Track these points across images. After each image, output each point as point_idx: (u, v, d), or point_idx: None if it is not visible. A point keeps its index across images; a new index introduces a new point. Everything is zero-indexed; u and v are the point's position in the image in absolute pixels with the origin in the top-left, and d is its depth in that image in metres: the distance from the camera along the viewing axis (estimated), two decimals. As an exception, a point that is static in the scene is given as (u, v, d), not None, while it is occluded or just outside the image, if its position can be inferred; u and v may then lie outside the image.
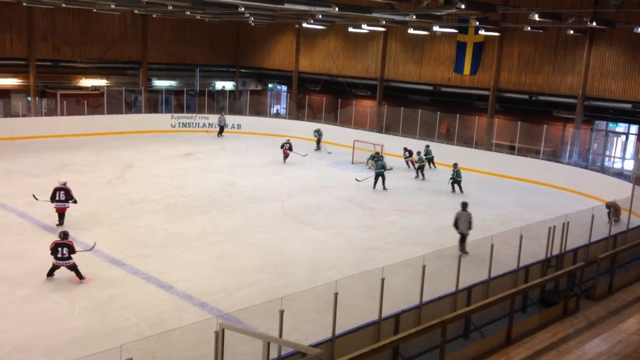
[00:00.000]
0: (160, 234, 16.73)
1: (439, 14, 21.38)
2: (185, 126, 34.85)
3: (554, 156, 27.18)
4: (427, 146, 27.65)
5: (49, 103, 32.52)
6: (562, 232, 13.87)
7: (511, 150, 27.84)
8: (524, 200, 23.04)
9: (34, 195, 17.61)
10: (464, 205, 16.07)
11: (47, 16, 32.05)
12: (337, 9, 19.48)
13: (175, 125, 34.70)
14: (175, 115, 35.00)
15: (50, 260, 13.17)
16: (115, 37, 34.80)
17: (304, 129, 33.42)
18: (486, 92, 29.65)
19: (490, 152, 28.31)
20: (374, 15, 22.31)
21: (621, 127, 27.71)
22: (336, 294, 9.21)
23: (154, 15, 33.83)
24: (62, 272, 13.51)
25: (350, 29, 31.10)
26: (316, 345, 8.97)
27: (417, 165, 26.12)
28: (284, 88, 41.52)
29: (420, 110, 30.75)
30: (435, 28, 26.04)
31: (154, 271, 13.88)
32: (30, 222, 17.06)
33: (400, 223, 19.17)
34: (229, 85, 41.64)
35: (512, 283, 12.63)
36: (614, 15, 23.04)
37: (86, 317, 11.55)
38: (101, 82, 35.20)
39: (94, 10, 30.24)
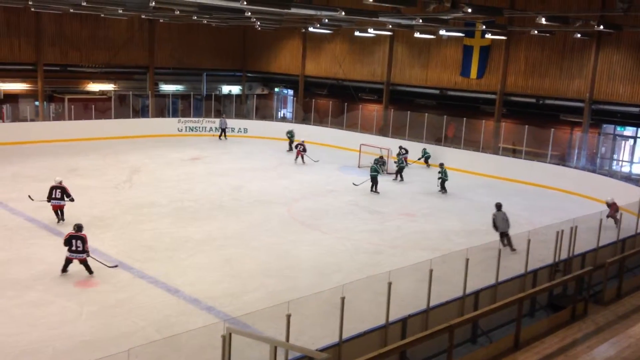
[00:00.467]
0: (167, 238, 16.76)
1: (446, 17, 21.36)
2: (192, 130, 34.95)
3: (562, 160, 27.06)
4: (424, 149, 28.83)
5: (56, 108, 32.69)
6: (570, 236, 13.80)
7: (518, 154, 27.75)
8: (532, 204, 22.95)
9: (29, 196, 17.97)
10: (499, 206, 16.97)
11: (55, 21, 32.25)
12: (343, 13, 19.51)
13: (182, 130, 34.81)
14: (182, 119, 35.12)
15: (54, 263, 13.22)
16: (122, 42, 34.97)
17: (312, 133, 33.45)
18: (493, 96, 29.60)
19: (497, 156, 28.23)
20: (380, 19, 22.31)
21: (629, 130, 27.58)
22: (343, 298, 9.19)
23: (161, 20, 33.98)
24: (70, 276, 13.56)
25: (357, 33, 31.16)
26: (323, 350, 8.95)
27: (396, 166, 25.97)
28: (290, 92, 41.58)
29: (426, 114, 30.71)
30: (442, 32, 26.05)
31: (160, 275, 13.90)
32: (38, 226, 17.13)
33: (407, 227, 19.14)
34: (235, 89, 41.74)
35: (520, 287, 12.56)
36: (621, 19, 22.97)
37: (93, 320, 11.57)
38: (109, 87, 35.36)
39: (102, 16, 30.43)
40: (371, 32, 29.12)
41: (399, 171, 25.96)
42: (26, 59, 31.94)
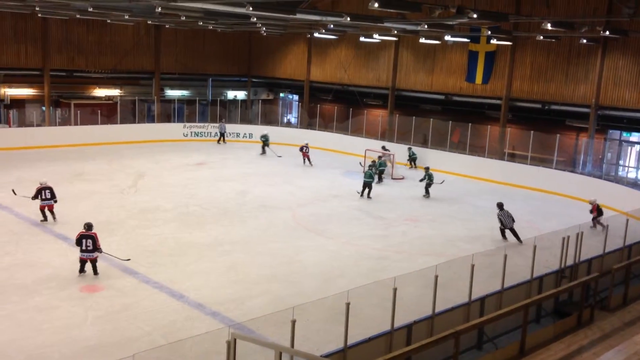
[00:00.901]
0: (172, 243, 16.78)
1: (451, 23, 21.39)
2: (197, 135, 35.03)
3: (567, 166, 26.99)
4: (410, 148, 29.27)
5: (63, 113, 32.83)
6: (576, 242, 13.76)
7: (524, 159, 27.68)
8: (537, 210, 22.87)
9: (12, 190, 18.61)
10: (501, 206, 18.41)
11: (61, 27, 32.42)
12: (348, 18, 19.55)
13: (187, 135, 34.90)
14: (188, 124, 35.21)
15: (59, 268, 13.24)
16: (128, 48, 35.13)
17: (317, 138, 33.49)
18: (498, 102, 29.56)
19: (503, 162, 28.17)
20: (386, 24, 22.35)
21: (635, 136, 27.49)
22: (348, 304, 9.18)
23: (167, 26, 34.12)
24: (76, 281, 13.59)
25: (362, 39, 31.19)
26: (328, 356, 8.94)
27: (377, 170, 25.81)
28: (296, 97, 41.65)
29: (432, 119, 30.69)
30: (447, 37, 26.04)
31: (165, 280, 13.92)
32: (43, 231, 17.18)
33: (412, 233, 19.10)
34: (240, 94, 41.84)
35: (526, 294, 12.53)
36: (627, 24, 22.93)
37: (99, 325, 11.59)
38: (114, 92, 35.50)
39: (108, 21, 30.59)
40: (376, 37, 29.15)
41: (380, 173, 26.00)
42: (33, 64, 32.12)
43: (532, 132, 27.18)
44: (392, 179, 26.84)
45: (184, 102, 37.24)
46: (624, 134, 27.71)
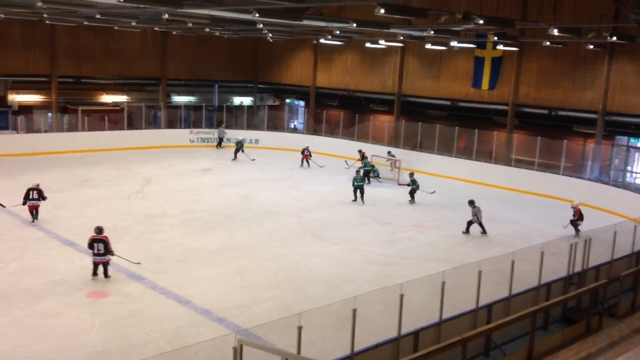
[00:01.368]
0: (178, 248, 16.79)
1: (457, 29, 21.40)
2: (204, 141, 35.08)
3: (575, 172, 26.87)
4: (389, 152, 29.48)
5: (70, 119, 32.97)
6: (584, 248, 13.68)
7: (531, 165, 27.59)
8: (544, 216, 22.77)
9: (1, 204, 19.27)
10: (472, 203, 19.61)
11: (69, 34, 32.61)
12: (354, 25, 19.60)
13: (194, 141, 34.98)
14: (194, 130, 35.30)
15: (65, 274, 13.26)
16: (135, 54, 35.29)
17: (323, 143, 33.50)
18: (505, 107, 29.50)
19: (510, 168, 28.08)
20: (392, 30, 22.39)
21: (643, 142, 27.36)
22: (354, 310, 9.14)
23: (174, 33, 34.26)
24: (82, 287, 13.61)
25: (368, 45, 31.25)
26: (334, 362, 8.90)
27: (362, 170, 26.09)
28: (302, 103, 41.71)
29: (438, 125, 30.66)
30: (453, 43, 26.05)
31: (172, 286, 13.91)
32: (50, 237, 17.23)
33: (418, 238, 19.04)
34: (247, 100, 41.93)
35: (534, 300, 12.45)
36: (634, 30, 22.86)
37: (105, 331, 11.58)
38: (122, 98, 35.65)
39: (115, 28, 30.72)
40: (382, 43, 29.20)
41: (366, 173, 26.33)
42: (41, 71, 32.30)
43: (538, 138, 27.10)
44: (399, 184, 26.79)
45: (190, 108, 37.35)
46: (632, 140, 27.57)
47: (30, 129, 31.99)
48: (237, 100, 41.60)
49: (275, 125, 38.67)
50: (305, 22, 19.13)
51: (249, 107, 40.92)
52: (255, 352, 8.45)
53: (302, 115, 41.54)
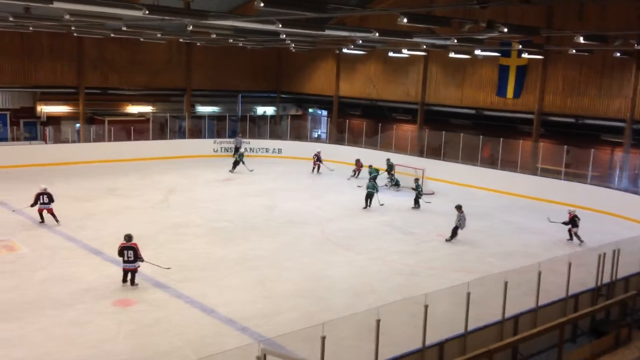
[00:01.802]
0: (203, 258, 16.89)
1: (481, 37, 21.28)
2: (227, 151, 35.32)
3: (603, 181, 26.42)
4: (388, 159, 29.35)
5: (97, 129, 33.50)
6: (613, 259, 13.44)
7: (557, 174, 27.22)
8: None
9: (13, 210, 20.47)
10: (460, 208, 19.47)
11: (96, 46, 33.19)
12: (377, 34, 19.60)
13: (217, 150, 35.25)
14: (218, 140, 35.57)
15: (92, 282, 13.41)
16: (160, 65, 35.76)
17: (345, 153, 33.50)
18: (530, 116, 29.18)
19: (536, 177, 27.73)
20: (415, 39, 22.35)
21: (672, 150, 26.82)
22: (378, 321, 9.09)
23: (198, 44, 34.65)
24: (108, 295, 13.76)
25: (391, 54, 31.21)
26: (358, 373, 8.85)
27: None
28: (324, 113, 41.79)
29: (462, 134, 30.46)
30: (477, 52, 25.90)
31: (196, 295, 14.00)
32: (78, 245, 17.47)
33: (443, 248, 18.89)
34: (270, 110, 42.16)
35: (561, 312, 12.25)
36: (662, 37, 22.49)
37: (131, 340, 11.69)
38: (147, 109, 36.11)
39: (141, 40, 31.19)
40: (405, 52, 29.14)
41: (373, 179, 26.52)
42: (68, 82, 32.89)
43: (565, 146, 26.74)
44: (424, 194, 26.58)
45: (214, 118, 37.67)
46: (661, 148, 27.06)
47: (58, 139, 32.56)
48: (260, 110, 41.84)
49: (298, 134, 38.80)
50: (327, 32, 19.21)
51: (271, 116, 41.14)
52: (279, 361, 8.45)
53: (324, 124, 41.62)
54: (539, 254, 17.83)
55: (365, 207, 23.57)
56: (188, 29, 19.97)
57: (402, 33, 21.83)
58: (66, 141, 32.39)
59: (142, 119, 35.20)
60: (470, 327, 10.59)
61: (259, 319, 12.82)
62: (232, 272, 15.84)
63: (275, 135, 38.32)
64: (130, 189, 25.49)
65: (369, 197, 23.70)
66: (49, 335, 11.78)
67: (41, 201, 19.32)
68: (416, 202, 24.22)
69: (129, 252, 14.24)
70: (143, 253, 16.13)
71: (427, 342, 9.91)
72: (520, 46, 24.86)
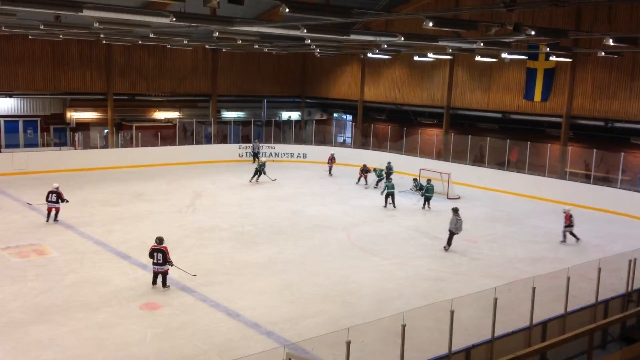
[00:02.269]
0: (228, 262, 16.99)
1: (508, 40, 21.07)
2: (259, 155, 35.49)
3: (633, 185, 25.92)
4: (389, 162, 29.76)
5: (125, 135, 34.01)
6: (644, 265, 13.15)
7: (586, 179, 26.77)
8: (601, 231, 22.03)
9: (27, 202, 21.89)
10: (456, 211, 18.69)
11: (124, 53, 33.73)
12: (402, 38, 19.54)
13: (242, 155, 35.49)
14: (243, 145, 35.82)
15: (120, 286, 13.56)
16: (187, 71, 36.18)
17: (371, 157, 33.43)
18: (558, 119, 28.78)
19: (564, 181, 27.31)
20: (440, 43, 22.22)
21: None
22: (404, 326, 9.03)
23: (224, 50, 34.98)
24: (135, 299, 13.92)
25: (416, 58, 31.09)
26: (384, 379, 8.80)
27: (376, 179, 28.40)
28: (349, 117, 41.80)
29: (488, 138, 30.16)
30: (504, 55, 25.63)
31: (222, 299, 14.08)
32: (106, 249, 17.72)
33: (470, 253, 18.70)
34: (294, 115, 42.32)
35: (591, 318, 12.04)
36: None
37: (157, 343, 11.80)
38: (174, 115, 36.55)
39: (168, 46, 31.63)
40: (431, 56, 29.00)
41: (380, 178, 28.22)
42: (97, 89, 33.47)
43: (594, 150, 26.32)
44: (448, 198, 26.44)
45: (239, 124, 37.97)
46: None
47: (87, 145, 33.14)
48: (285, 115, 42.04)
49: (323, 139, 38.86)
50: (352, 36, 19.23)
51: (296, 121, 41.28)
52: (304, 366, 8.45)
53: (349, 129, 41.61)
54: (568, 260, 17.57)
55: (385, 206, 24.21)
56: (214, 35, 20.18)
57: (428, 37, 21.73)
58: (95, 147, 32.96)
59: (169, 124, 35.63)
60: (498, 333, 10.46)
61: (284, 324, 12.84)
62: (258, 276, 15.90)
63: (300, 140, 38.44)
64: (156, 193, 25.79)
65: (389, 196, 24.35)
66: (78, 337, 11.95)
67: (49, 199, 20.00)
68: (425, 203, 24.64)
69: (159, 255, 14.45)
70: (170, 257, 16.34)
71: (454, 348, 9.82)
72: (548, 49, 24.56)
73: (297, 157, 35.80)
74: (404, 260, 17.72)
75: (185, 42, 26.66)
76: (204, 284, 14.97)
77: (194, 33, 25.57)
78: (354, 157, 34.05)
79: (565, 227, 20.10)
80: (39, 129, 32.53)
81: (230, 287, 15.00)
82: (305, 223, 21.66)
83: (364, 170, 29.52)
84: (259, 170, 29.35)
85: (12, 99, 31.55)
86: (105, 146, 33.42)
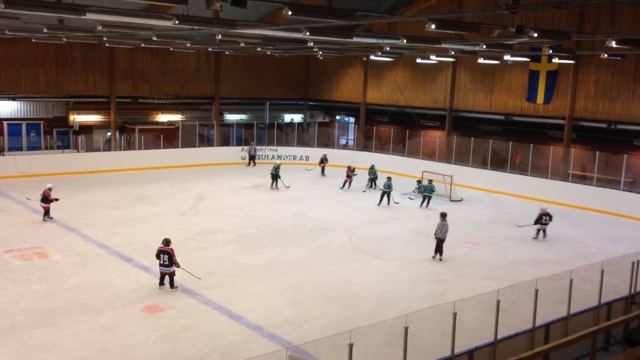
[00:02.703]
0: (231, 264, 16.99)
1: (510, 43, 21.05)
2: (256, 158, 35.53)
3: (636, 187, 25.86)
4: (372, 165, 29.67)
5: (127, 138, 34.06)
6: (647, 267, 13.12)
7: (589, 181, 26.73)
8: (604, 233, 21.98)
9: (27, 198, 22.37)
10: (444, 216, 17.97)
11: (127, 56, 33.81)
12: (405, 41, 19.55)
13: (245, 158, 35.48)
14: (246, 147, 35.84)
15: (122, 288, 13.57)
16: (190, 74, 36.23)
17: (373, 160, 33.34)
18: (561, 121, 28.74)
19: (567, 183, 27.26)
20: (443, 46, 22.22)
21: None
22: (406, 328, 9.02)
23: (227, 52, 35.03)
24: (138, 301, 13.93)
25: (419, 60, 31.09)
26: (386, 381, 8.78)
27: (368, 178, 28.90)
28: (352, 120, 41.80)
29: (491, 140, 30.13)
30: (507, 57, 25.63)
31: (224, 301, 14.08)
32: (108, 252, 17.74)
33: (472, 256, 18.67)
34: (297, 117, 42.34)
35: (594, 320, 12.01)
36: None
37: (160, 346, 11.80)
38: (176, 117, 36.60)
39: (171, 49, 31.68)
40: (433, 58, 29.00)
41: (373, 179, 28.86)
42: (100, 92, 33.53)
43: (597, 152, 26.27)
44: (451, 200, 26.42)
45: (242, 126, 37.99)
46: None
47: (90, 147, 33.20)
48: (287, 117, 42.06)
49: (326, 142, 38.87)
50: (355, 39, 19.23)
51: (299, 124, 41.30)
52: (307, 368, 8.44)
53: (352, 131, 41.61)
54: (571, 262, 17.53)
55: (379, 204, 25.03)
56: (217, 38, 20.20)
57: (430, 39, 21.72)
58: (98, 150, 33.00)
59: (172, 127, 35.68)
60: (500, 335, 10.45)
61: (287, 326, 12.84)
62: (260, 278, 15.90)
63: (302, 142, 38.46)
64: (159, 196, 25.82)
65: (384, 195, 25.11)
66: (81, 340, 11.96)
67: (40, 198, 20.71)
68: (425, 200, 25.17)
69: (165, 256, 14.51)
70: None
71: (456, 350, 9.80)
72: (551, 51, 24.55)
73: (300, 159, 35.79)
74: (406, 262, 17.70)
75: (188, 44, 26.71)
76: (206, 287, 14.97)
77: (197, 36, 25.63)
78: (355, 159, 33.96)
79: (538, 223, 20.79)
80: (42, 132, 32.61)
81: (233, 289, 15.00)
82: (307, 225, 21.66)
83: (350, 174, 28.75)
84: (276, 175, 28.39)
85: (15, 102, 31.64)
86: (108, 149, 33.48)
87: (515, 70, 30.25)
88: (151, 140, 33.22)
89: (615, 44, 19.01)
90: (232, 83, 37.99)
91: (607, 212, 24.78)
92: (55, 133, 33.09)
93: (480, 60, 27.58)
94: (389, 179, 25.61)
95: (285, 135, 38.91)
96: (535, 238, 20.72)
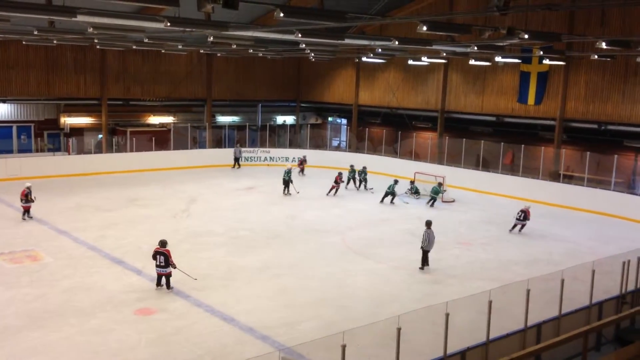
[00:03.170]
0: (223, 266, 16.96)
1: (501, 44, 21.17)
2: (247, 160, 35.53)
3: (626, 187, 26.04)
4: (365, 167, 30.03)
5: (119, 140, 33.94)
6: (638, 266, 13.22)
7: (580, 181, 26.88)
8: (595, 233, 22.12)
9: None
10: (429, 224, 17.29)
11: (118, 58, 33.69)
12: (397, 42, 19.61)
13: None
14: (231, 149, 35.76)
15: (114, 291, 13.52)
16: (182, 76, 36.16)
17: (365, 161, 33.41)
18: (552, 122, 28.90)
19: (558, 184, 27.42)
20: (434, 47, 22.30)
21: (699, 156, 26.35)
22: (399, 329, 9.04)
23: (219, 54, 34.98)
24: (130, 304, 13.88)
25: (410, 62, 31.17)
26: (379, 382, 8.80)
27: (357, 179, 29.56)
28: (344, 121, 41.85)
29: (483, 141, 30.24)
30: (498, 59, 25.75)
31: (217, 303, 14.05)
32: (100, 255, 17.66)
33: (465, 256, 18.73)
34: (289, 119, 42.35)
35: (585, 320, 12.07)
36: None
37: (152, 348, 11.77)
38: (168, 119, 36.51)
39: (162, 51, 31.59)
40: (425, 60, 29.09)
41: (364, 181, 29.49)
42: (91, 94, 33.39)
43: (588, 153, 26.43)
44: (443, 202, 26.49)
45: (234, 128, 37.94)
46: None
47: (81, 150, 33.06)
48: (280, 119, 42.05)
49: (318, 143, 38.88)
50: (347, 41, 19.31)
51: (291, 126, 41.30)
52: (300, 370, 8.44)
53: (344, 133, 41.65)
54: (563, 262, 17.63)
55: (382, 201, 25.95)
56: (209, 40, 20.20)
57: (422, 41, 21.81)
58: (89, 152, 32.86)
59: (164, 129, 35.59)
60: (493, 336, 10.48)
61: (280, 328, 12.83)
62: (253, 280, 15.88)
63: (295, 144, 38.45)
64: (151, 198, 25.73)
65: (388, 195, 25.87)
66: (72, 343, 11.91)
67: (20, 198, 21.08)
68: (432, 202, 25.85)
69: (161, 258, 14.55)
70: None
71: (449, 351, 9.83)
72: (542, 52, 24.68)
73: (292, 161, 35.74)
74: (399, 263, 17.73)
75: (180, 46, 26.67)
76: (198, 289, 14.94)
77: (189, 38, 25.53)
78: (348, 160, 33.98)
79: (521, 220, 21.71)
80: (32, 135, 32.43)
81: (226, 291, 14.97)
82: (300, 227, 21.66)
83: (339, 180, 27.83)
84: (288, 180, 27.62)
85: (5, 105, 31.44)
86: (100, 151, 33.35)
87: (507, 72, 30.40)
88: (143, 142, 33.11)
89: (605, 45, 19.16)
90: (224, 85, 37.94)
91: (598, 213, 24.93)
92: (46, 135, 32.91)
93: (472, 62, 27.70)
94: (396, 182, 26.30)
95: (277, 137, 38.89)
96: (511, 231, 21.76)
